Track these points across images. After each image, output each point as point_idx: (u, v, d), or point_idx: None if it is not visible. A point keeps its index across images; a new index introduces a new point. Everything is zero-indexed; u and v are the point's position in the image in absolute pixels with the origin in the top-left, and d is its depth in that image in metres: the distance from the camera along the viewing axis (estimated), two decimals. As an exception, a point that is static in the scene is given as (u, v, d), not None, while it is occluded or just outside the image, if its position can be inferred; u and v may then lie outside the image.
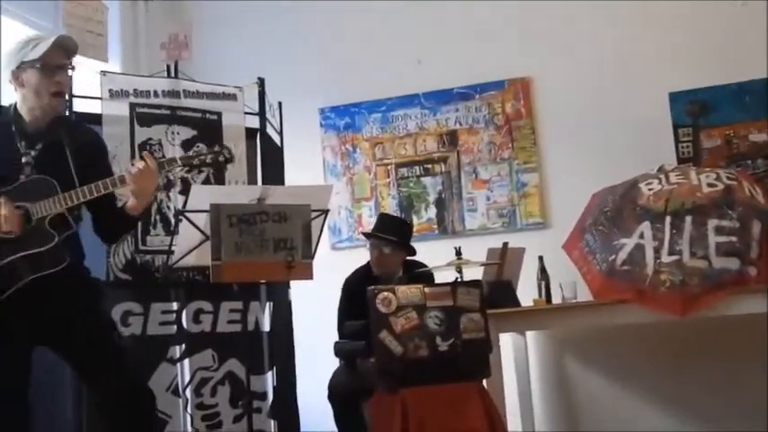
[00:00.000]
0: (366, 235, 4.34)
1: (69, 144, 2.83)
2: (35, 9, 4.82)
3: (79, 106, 3.73)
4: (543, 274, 4.39)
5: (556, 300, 4.30)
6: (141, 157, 2.81)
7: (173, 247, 3.06)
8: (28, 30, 4.83)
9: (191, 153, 2.97)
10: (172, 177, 3.15)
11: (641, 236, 3.98)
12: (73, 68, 2.88)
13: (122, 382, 2.81)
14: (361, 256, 4.39)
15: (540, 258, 4.42)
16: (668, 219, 3.97)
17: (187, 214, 2.71)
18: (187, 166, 2.89)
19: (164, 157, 3.78)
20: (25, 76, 2.79)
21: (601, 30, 5.08)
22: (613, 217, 4.11)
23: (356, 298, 3.79)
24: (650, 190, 4.11)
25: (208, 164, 2.92)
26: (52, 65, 2.79)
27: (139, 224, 3.72)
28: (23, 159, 2.78)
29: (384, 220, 4.39)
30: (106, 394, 2.82)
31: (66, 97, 2.98)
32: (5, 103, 2.94)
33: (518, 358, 4.76)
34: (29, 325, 2.74)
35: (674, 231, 3.93)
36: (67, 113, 3.03)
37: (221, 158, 2.89)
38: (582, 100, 5.05)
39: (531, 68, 5.17)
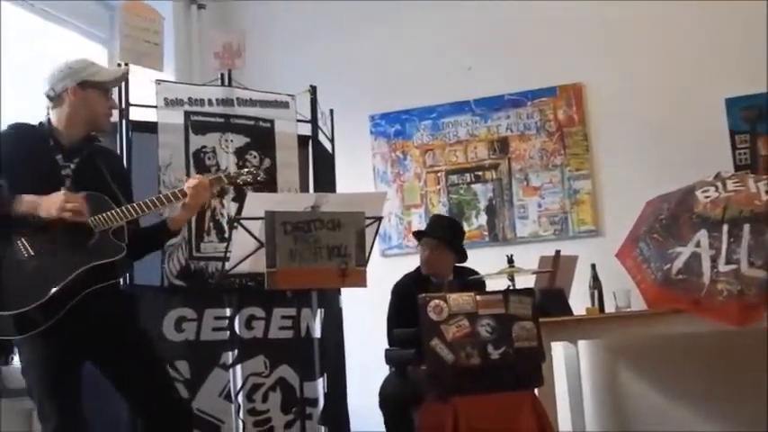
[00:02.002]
0: (416, 234, 4.34)
1: (103, 162, 2.92)
2: (90, 19, 4.93)
3: (135, 115, 3.79)
4: (596, 282, 4.34)
5: (609, 309, 4.24)
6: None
7: (227, 254, 3.09)
8: (85, 40, 4.95)
9: (232, 173, 3.14)
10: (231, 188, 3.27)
11: (698, 244, 3.91)
12: None
13: (162, 398, 2.85)
14: (410, 263, 4.38)
15: (593, 266, 4.37)
16: (725, 227, 3.89)
17: (242, 221, 2.73)
18: (231, 184, 3.04)
19: (217, 164, 3.86)
20: (85, 94, 2.87)
21: (655, 34, 5.01)
22: (669, 225, 4.04)
23: (406, 303, 3.79)
24: (707, 197, 4.03)
25: (249, 183, 3.04)
26: (107, 86, 2.93)
27: (193, 231, 3.79)
28: (63, 172, 2.83)
29: (436, 220, 4.40)
30: (145, 409, 2.86)
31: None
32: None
33: (569, 368, 4.71)
34: (78, 337, 2.75)
35: (732, 240, 3.85)
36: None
37: (260, 178, 3.06)
38: (635, 106, 4.98)
39: (583, 74, 5.12)
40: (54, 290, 2.60)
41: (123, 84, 3.75)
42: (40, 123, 2.91)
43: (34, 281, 2.62)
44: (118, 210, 2.77)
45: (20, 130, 2.90)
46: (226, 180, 3.02)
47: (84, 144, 2.92)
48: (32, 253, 2.66)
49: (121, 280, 3.07)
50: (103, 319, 2.79)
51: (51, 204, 2.66)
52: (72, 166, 2.86)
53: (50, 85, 2.88)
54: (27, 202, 2.67)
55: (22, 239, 2.67)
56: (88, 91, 2.87)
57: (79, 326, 2.71)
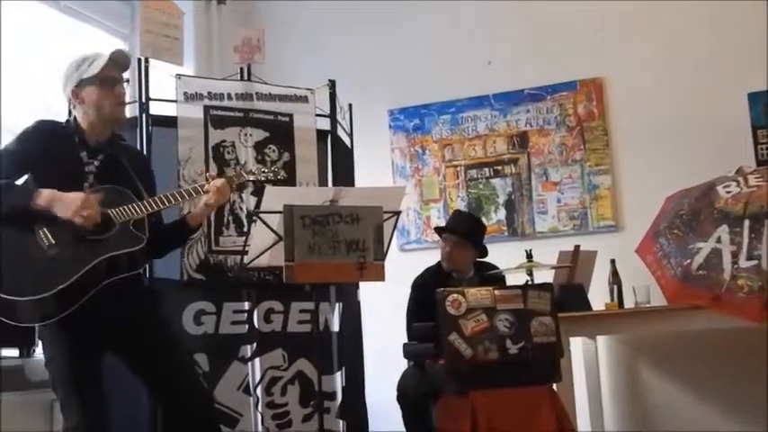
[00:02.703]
0: (438, 230, 4.34)
1: (127, 160, 2.94)
2: (111, 14, 4.96)
3: (155, 109, 3.81)
4: (615, 277, 4.32)
5: (628, 304, 4.22)
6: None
7: (246, 248, 3.10)
8: (105, 35, 4.98)
9: (248, 175, 3.13)
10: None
11: (718, 240, 3.88)
12: (127, 82, 2.98)
13: (188, 389, 2.88)
14: (429, 258, 4.38)
15: (612, 262, 4.36)
16: (747, 222, 3.86)
17: (261, 215, 2.74)
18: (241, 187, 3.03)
19: (237, 159, 3.87)
20: (85, 93, 2.88)
21: (676, 28, 4.97)
22: (689, 220, 4.02)
23: (425, 298, 3.79)
24: (728, 193, 4.00)
25: (263, 182, 3.05)
26: (109, 79, 2.89)
27: (212, 225, 3.81)
28: (86, 168, 2.87)
29: (458, 216, 4.39)
30: (172, 401, 2.89)
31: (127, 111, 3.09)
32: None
33: (588, 363, 4.69)
34: (101, 329, 2.79)
35: (753, 236, 3.82)
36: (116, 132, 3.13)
37: (280, 176, 3.07)
38: (657, 101, 4.95)
39: (603, 69, 5.09)
40: (71, 280, 2.64)
41: (144, 78, 3.79)
42: (67, 121, 2.96)
43: (53, 269, 2.66)
44: (139, 203, 2.81)
45: (46, 126, 2.94)
46: (246, 177, 3.06)
47: (108, 142, 2.95)
48: (53, 242, 2.70)
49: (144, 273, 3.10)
50: (126, 309, 2.83)
51: (67, 206, 2.69)
52: (96, 163, 2.89)
53: (62, 90, 2.94)
54: (46, 197, 2.71)
55: (44, 229, 2.71)
56: (87, 89, 2.88)
57: (101, 317, 2.75)
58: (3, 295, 2.66)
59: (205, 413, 2.92)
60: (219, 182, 2.94)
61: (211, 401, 3.09)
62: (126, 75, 3.00)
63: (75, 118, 2.94)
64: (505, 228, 5.18)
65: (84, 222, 2.70)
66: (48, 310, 2.68)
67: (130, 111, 3.96)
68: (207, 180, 3.01)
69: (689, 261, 3.92)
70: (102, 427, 2.77)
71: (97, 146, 2.92)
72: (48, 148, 2.85)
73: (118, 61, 2.92)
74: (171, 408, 2.91)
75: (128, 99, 3.02)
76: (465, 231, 4.16)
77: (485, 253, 4.22)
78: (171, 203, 2.85)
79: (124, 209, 2.78)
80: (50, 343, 2.80)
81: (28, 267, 2.68)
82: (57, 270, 2.66)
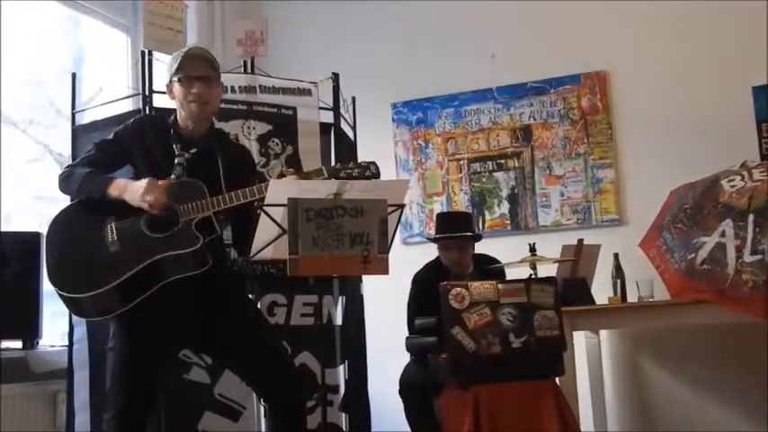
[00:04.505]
0: (439, 238, 4.22)
1: (222, 155, 2.95)
2: (113, 7, 4.95)
3: (158, 102, 3.79)
4: (618, 271, 4.31)
5: (631, 298, 4.22)
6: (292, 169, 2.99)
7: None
8: (107, 27, 4.97)
9: (338, 166, 3.00)
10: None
11: (722, 234, 3.88)
12: (217, 78, 2.97)
13: (286, 378, 2.93)
14: (432, 251, 4.37)
15: (616, 256, 4.34)
16: (751, 217, 3.85)
17: (265, 208, 2.74)
18: (332, 177, 2.89)
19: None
20: (174, 90, 2.95)
21: (681, 21, 4.95)
22: (693, 214, 4.01)
23: (426, 293, 3.78)
24: (732, 187, 3.99)
25: (354, 177, 2.90)
26: (191, 77, 2.90)
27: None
28: (176, 161, 2.90)
29: (448, 219, 4.36)
30: (271, 392, 2.94)
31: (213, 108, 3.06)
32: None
33: (591, 357, 4.69)
34: (173, 326, 2.82)
35: (758, 230, 3.81)
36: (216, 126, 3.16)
37: (368, 174, 2.93)
38: (661, 94, 4.93)
39: (607, 62, 5.08)
40: (119, 279, 2.70)
41: (147, 71, 3.78)
42: (170, 116, 3.02)
43: (110, 266, 2.73)
44: (207, 200, 2.81)
45: (144, 119, 3.09)
46: (326, 173, 2.92)
47: (206, 136, 2.99)
48: (116, 238, 2.77)
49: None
50: (206, 305, 2.85)
51: (134, 192, 2.76)
52: (186, 155, 2.91)
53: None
54: (118, 186, 2.80)
55: (113, 224, 2.79)
56: (174, 86, 2.94)
57: (171, 315, 2.79)
58: (59, 291, 2.74)
59: (300, 395, 2.99)
60: (287, 176, 2.90)
61: (301, 381, 3.15)
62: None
63: (175, 113, 3.00)
64: (509, 221, 5.17)
65: (150, 208, 2.75)
66: (105, 305, 2.75)
67: (134, 103, 3.99)
68: (280, 176, 2.97)
69: (693, 255, 3.91)
70: (139, 425, 2.80)
71: (191, 140, 2.95)
72: (143, 142, 2.93)
73: (196, 58, 2.93)
74: (267, 398, 2.98)
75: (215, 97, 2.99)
76: (463, 234, 4.12)
77: (480, 238, 4.21)
78: (239, 201, 2.82)
79: (190, 206, 2.80)
80: (113, 334, 2.85)
81: (89, 262, 2.76)
82: (112, 267, 2.72)
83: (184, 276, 2.77)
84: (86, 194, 2.85)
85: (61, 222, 2.88)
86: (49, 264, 2.82)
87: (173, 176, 2.85)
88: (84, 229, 2.84)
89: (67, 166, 2.96)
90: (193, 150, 2.93)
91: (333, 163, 4.21)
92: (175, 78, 2.92)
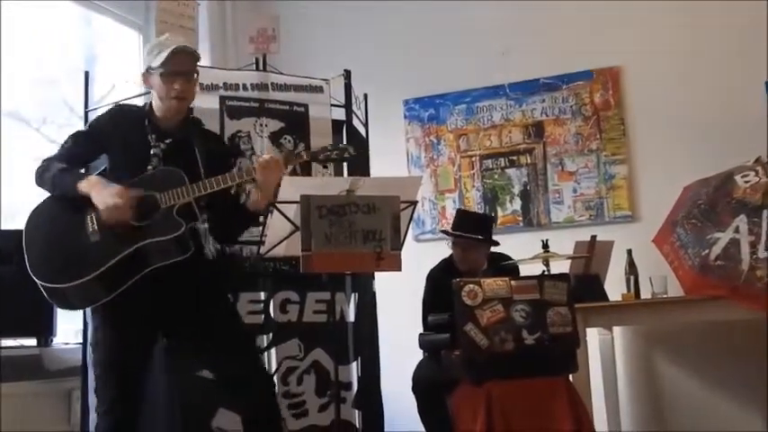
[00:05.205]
0: (449, 233, 4.25)
1: (199, 144, 2.96)
2: (125, 5, 4.97)
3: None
4: (632, 268, 4.29)
5: (645, 295, 4.20)
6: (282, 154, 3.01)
7: (263, 238, 3.10)
8: (119, 26, 4.99)
9: (318, 149, 3.04)
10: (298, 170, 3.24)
11: (736, 230, 3.86)
12: (195, 75, 2.98)
13: (250, 368, 2.93)
14: (444, 248, 4.36)
15: (629, 252, 4.33)
16: (765, 212, 3.84)
17: (278, 205, 2.74)
18: (314, 161, 2.97)
19: (252, 149, 3.89)
20: (151, 80, 2.94)
21: (694, 16, 4.92)
22: (707, 210, 3.99)
23: (440, 290, 3.78)
24: (746, 182, 3.97)
25: (333, 159, 2.98)
26: (173, 72, 2.89)
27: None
28: (152, 151, 2.90)
29: (465, 218, 4.33)
30: (234, 380, 2.93)
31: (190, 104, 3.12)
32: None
33: (604, 354, 4.67)
34: (154, 312, 2.84)
35: (772, 226, 3.80)
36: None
37: (346, 155, 2.98)
38: (673, 90, 4.91)
39: (620, 58, 5.06)
40: (101, 269, 2.70)
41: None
42: (144, 105, 3.03)
43: (91, 256, 2.73)
44: (186, 186, 2.82)
45: (120, 109, 3.06)
46: (306, 157, 3.00)
47: (181, 125, 2.99)
48: (96, 228, 2.76)
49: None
50: (183, 294, 2.86)
51: (100, 197, 2.74)
52: (162, 146, 2.92)
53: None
54: (87, 185, 2.78)
55: (93, 214, 2.78)
56: (153, 77, 2.93)
57: (151, 304, 2.80)
58: (42, 283, 2.74)
59: (267, 398, 2.97)
60: (264, 158, 2.92)
61: (271, 382, 3.14)
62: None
63: (150, 102, 3.00)
64: (521, 218, 5.16)
65: (108, 220, 2.74)
66: (90, 295, 2.76)
67: (146, 101, 4.00)
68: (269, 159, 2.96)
69: (707, 251, 3.90)
70: (131, 416, 2.82)
71: (167, 130, 2.96)
72: (119, 132, 2.93)
73: (183, 55, 2.93)
74: (234, 393, 2.98)
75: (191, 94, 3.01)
76: (475, 234, 4.10)
77: (496, 243, 4.19)
78: (219, 186, 2.84)
79: (170, 193, 2.80)
80: (96, 328, 2.87)
81: (70, 253, 2.76)
82: (93, 257, 2.72)
83: (167, 264, 2.77)
84: (59, 191, 2.85)
85: (41, 215, 2.88)
86: (31, 256, 2.79)
87: (149, 168, 2.86)
88: (64, 220, 2.83)
89: (44, 160, 2.94)
90: (168, 141, 2.93)
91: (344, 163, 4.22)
92: (157, 71, 2.90)
